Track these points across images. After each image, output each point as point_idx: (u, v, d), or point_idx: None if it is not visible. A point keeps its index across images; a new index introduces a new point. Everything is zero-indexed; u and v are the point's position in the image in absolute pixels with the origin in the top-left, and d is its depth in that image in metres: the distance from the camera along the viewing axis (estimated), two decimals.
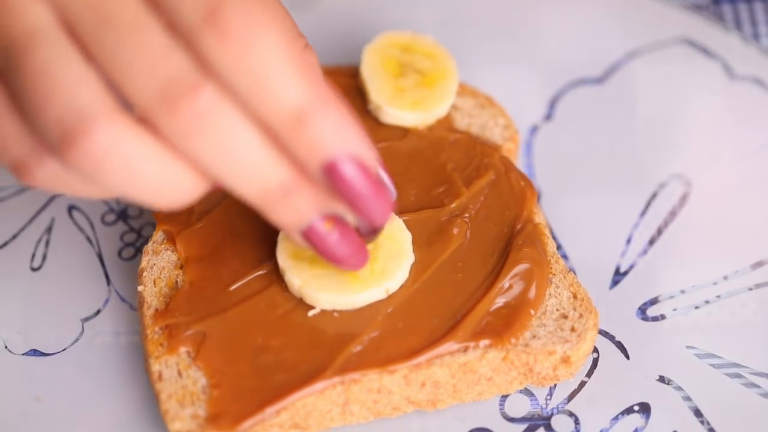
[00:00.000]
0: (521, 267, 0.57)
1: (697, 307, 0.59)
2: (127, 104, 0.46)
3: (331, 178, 0.48)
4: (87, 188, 0.48)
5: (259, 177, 0.47)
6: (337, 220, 0.50)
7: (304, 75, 0.46)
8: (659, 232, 0.62)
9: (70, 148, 0.46)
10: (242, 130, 0.46)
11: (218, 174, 0.47)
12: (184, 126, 0.46)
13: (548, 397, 0.57)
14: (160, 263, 0.58)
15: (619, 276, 0.61)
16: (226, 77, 0.46)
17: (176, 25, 0.46)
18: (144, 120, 0.46)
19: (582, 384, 0.57)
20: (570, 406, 0.57)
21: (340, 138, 0.47)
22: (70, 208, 0.63)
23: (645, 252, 0.61)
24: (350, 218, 0.51)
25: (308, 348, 0.54)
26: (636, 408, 0.56)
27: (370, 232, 0.53)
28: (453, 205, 0.59)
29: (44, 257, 0.62)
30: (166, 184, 0.47)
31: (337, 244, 0.51)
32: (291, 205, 0.49)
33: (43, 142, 0.47)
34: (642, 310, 0.60)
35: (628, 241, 0.62)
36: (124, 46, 0.46)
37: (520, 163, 0.65)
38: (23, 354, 0.58)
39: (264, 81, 0.46)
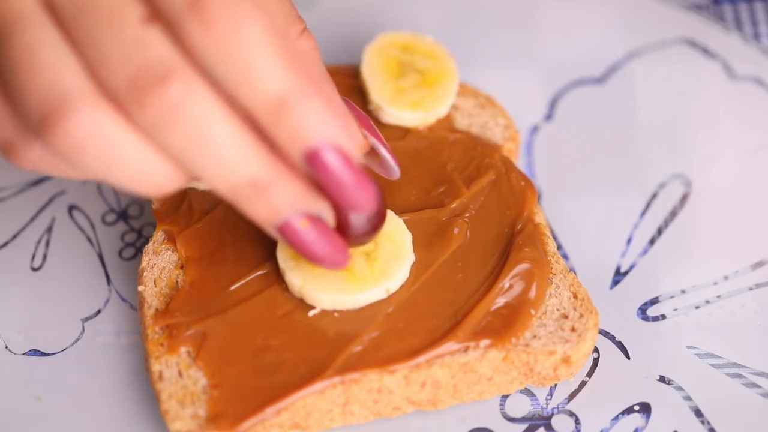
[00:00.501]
0: (521, 267, 0.57)
1: (697, 307, 0.60)
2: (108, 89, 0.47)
3: (312, 167, 0.48)
4: (72, 171, 0.49)
5: (230, 171, 0.47)
6: (314, 219, 0.50)
7: (288, 63, 0.46)
8: (659, 232, 0.62)
9: (49, 130, 0.46)
10: (215, 123, 0.46)
11: (189, 165, 0.47)
12: (152, 116, 0.46)
13: (549, 397, 0.57)
14: (160, 263, 0.58)
15: (619, 276, 0.61)
16: (209, 65, 0.46)
17: (161, 12, 0.46)
18: (121, 106, 0.46)
19: (582, 384, 0.57)
20: (570, 406, 0.57)
21: (323, 126, 0.47)
22: (71, 208, 0.63)
23: (645, 252, 0.61)
24: (329, 217, 0.51)
25: (308, 348, 0.54)
26: (636, 408, 0.56)
27: (365, 233, 0.53)
28: (453, 205, 0.59)
29: (45, 257, 0.62)
30: (143, 171, 0.47)
31: (314, 242, 0.51)
32: (264, 200, 0.48)
33: (27, 124, 0.47)
34: (642, 310, 0.60)
35: (629, 241, 0.62)
36: (101, 32, 0.46)
37: (520, 163, 0.65)
38: (23, 354, 0.58)
39: (247, 69, 0.46)
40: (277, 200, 0.49)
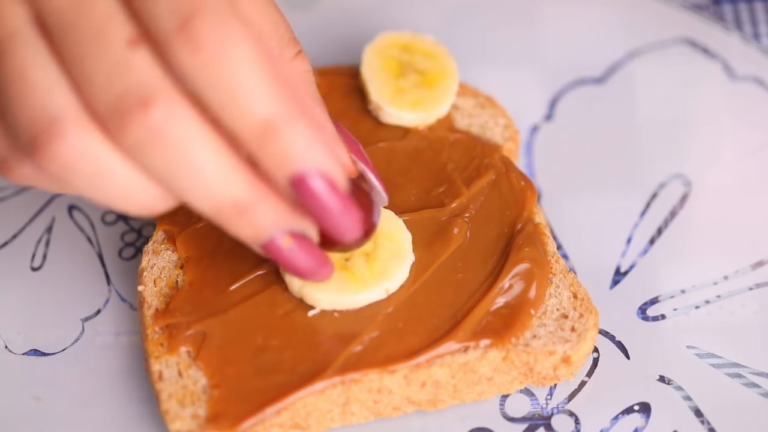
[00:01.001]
0: (521, 267, 0.57)
1: (697, 307, 0.59)
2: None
3: (298, 192, 0.48)
4: (63, 189, 0.49)
5: (212, 194, 0.47)
6: (297, 236, 0.50)
7: (276, 87, 0.46)
8: (659, 232, 0.62)
9: (39, 151, 0.46)
10: (197, 147, 0.46)
11: (173, 188, 0.47)
12: (135, 140, 0.46)
13: (548, 397, 0.57)
14: (160, 263, 0.58)
15: (619, 276, 0.61)
16: (196, 87, 0.46)
17: (149, 32, 0.46)
18: (108, 128, 0.46)
19: (582, 384, 0.57)
20: (570, 406, 0.57)
21: (310, 152, 0.47)
22: (71, 208, 0.63)
23: (645, 252, 0.61)
24: (312, 233, 0.51)
25: (308, 348, 0.54)
26: (636, 408, 0.56)
27: (357, 239, 0.53)
28: (453, 205, 0.59)
29: (44, 257, 0.62)
30: (132, 192, 0.48)
31: (298, 258, 0.51)
32: (247, 221, 0.49)
33: (18, 142, 0.47)
34: (642, 310, 0.60)
35: (629, 240, 0.62)
36: (87, 53, 0.46)
37: (520, 163, 0.65)
38: (23, 354, 0.58)
39: (234, 93, 0.46)
40: (260, 220, 0.49)
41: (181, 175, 0.47)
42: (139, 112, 0.45)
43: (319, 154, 0.47)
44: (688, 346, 0.58)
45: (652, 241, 0.62)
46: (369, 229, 0.53)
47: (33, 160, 0.46)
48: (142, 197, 0.48)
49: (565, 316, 0.56)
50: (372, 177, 0.55)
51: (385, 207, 0.56)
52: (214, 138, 0.47)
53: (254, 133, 0.46)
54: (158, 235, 0.59)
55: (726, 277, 0.60)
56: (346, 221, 0.50)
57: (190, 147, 0.46)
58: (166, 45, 0.45)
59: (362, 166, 0.55)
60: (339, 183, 0.49)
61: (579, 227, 0.62)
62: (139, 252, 0.62)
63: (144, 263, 0.58)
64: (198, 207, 0.48)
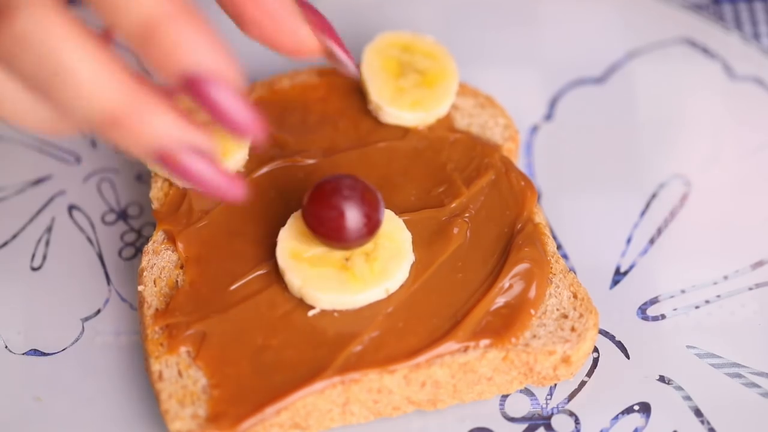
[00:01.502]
0: (521, 267, 0.57)
1: (697, 307, 0.60)
2: None
3: (191, 92, 0.46)
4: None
5: (87, 100, 0.46)
6: (194, 149, 0.48)
7: None
8: (659, 231, 0.62)
9: None
10: (68, 51, 0.45)
11: (47, 96, 0.46)
12: (4, 47, 0.45)
13: (548, 397, 0.57)
14: (160, 263, 0.58)
15: (619, 276, 0.61)
16: None
17: None
18: None
19: (582, 384, 0.57)
20: (570, 406, 0.57)
21: (197, 50, 0.46)
22: (71, 208, 0.63)
23: (645, 252, 0.61)
24: (208, 146, 0.48)
25: (308, 348, 0.54)
26: (636, 408, 0.56)
27: (361, 236, 0.52)
28: (453, 205, 0.59)
29: (44, 257, 0.62)
30: (16, 104, 0.47)
31: (198, 167, 0.48)
32: (130, 130, 0.46)
33: None
34: (642, 310, 0.60)
35: (629, 240, 0.62)
36: None
37: (520, 163, 0.65)
38: (23, 354, 0.58)
39: None
40: (146, 130, 0.47)
41: (51, 80, 0.45)
42: (3, 19, 0.45)
43: (208, 51, 0.46)
44: (688, 346, 0.58)
45: (652, 241, 0.62)
46: (373, 226, 0.53)
47: None
48: (30, 111, 0.47)
49: (565, 316, 0.56)
50: (339, 51, 0.54)
51: (385, 207, 0.56)
52: (90, 43, 0.45)
53: (138, 32, 0.45)
54: (158, 235, 0.59)
55: (726, 277, 0.60)
56: (242, 118, 0.47)
57: (60, 51, 0.45)
58: None
59: (329, 43, 0.54)
60: (230, 79, 0.47)
61: (579, 227, 0.62)
62: (139, 252, 0.62)
63: (144, 263, 0.58)
64: (76, 117, 0.46)
